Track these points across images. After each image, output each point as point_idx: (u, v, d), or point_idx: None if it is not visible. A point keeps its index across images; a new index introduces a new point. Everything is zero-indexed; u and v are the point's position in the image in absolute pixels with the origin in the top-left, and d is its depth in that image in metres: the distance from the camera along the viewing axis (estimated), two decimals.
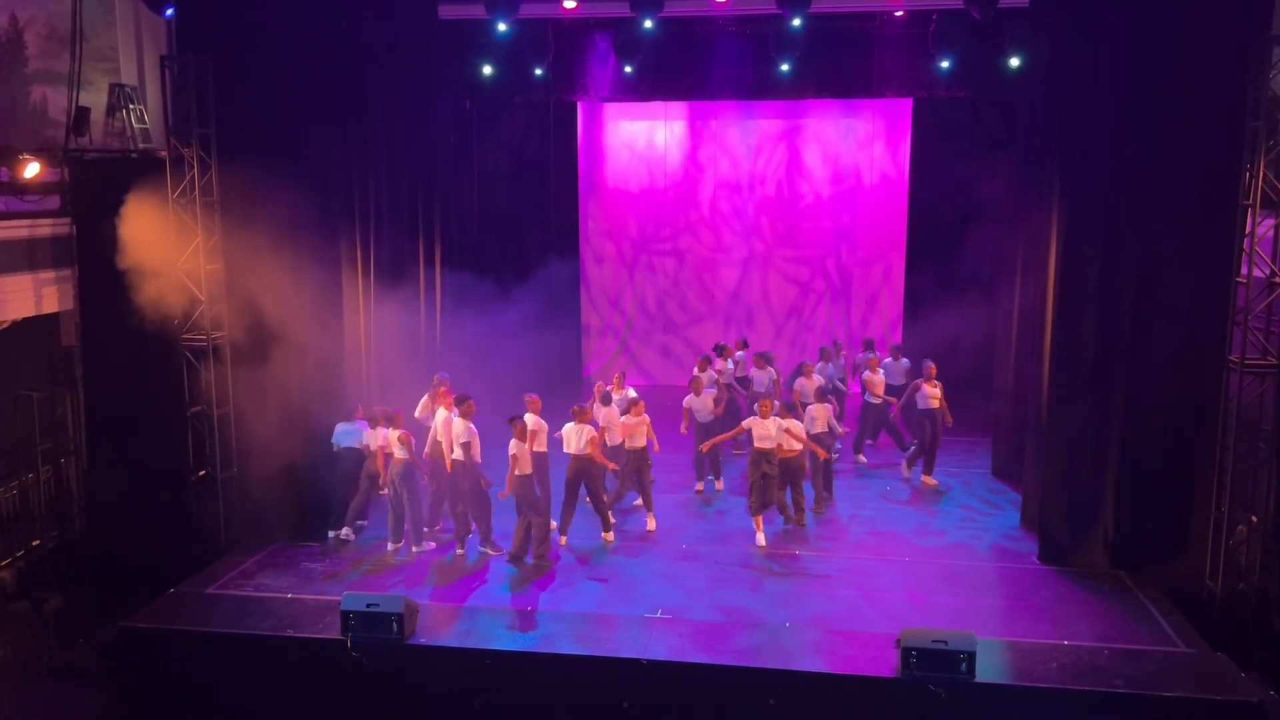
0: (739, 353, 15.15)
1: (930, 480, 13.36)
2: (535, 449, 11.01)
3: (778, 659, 9.00)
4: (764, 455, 11.49)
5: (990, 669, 8.63)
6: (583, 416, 11.29)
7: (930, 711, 8.51)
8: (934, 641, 8.50)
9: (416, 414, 12.01)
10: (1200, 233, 10.24)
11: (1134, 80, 10.24)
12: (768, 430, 11.44)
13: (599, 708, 9.03)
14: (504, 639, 9.38)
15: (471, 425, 10.98)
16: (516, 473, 10.81)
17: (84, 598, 11.44)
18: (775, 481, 11.58)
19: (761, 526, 11.56)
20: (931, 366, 13.22)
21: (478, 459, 11.01)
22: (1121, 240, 10.47)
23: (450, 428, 11.08)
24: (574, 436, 11.24)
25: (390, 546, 11.36)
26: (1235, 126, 9.85)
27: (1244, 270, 9.98)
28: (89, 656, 10.20)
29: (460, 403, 11.09)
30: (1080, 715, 8.46)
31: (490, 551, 11.20)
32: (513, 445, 10.83)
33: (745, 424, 11.74)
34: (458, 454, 10.95)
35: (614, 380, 13.17)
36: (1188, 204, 10.23)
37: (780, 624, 9.62)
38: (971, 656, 8.45)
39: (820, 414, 12.42)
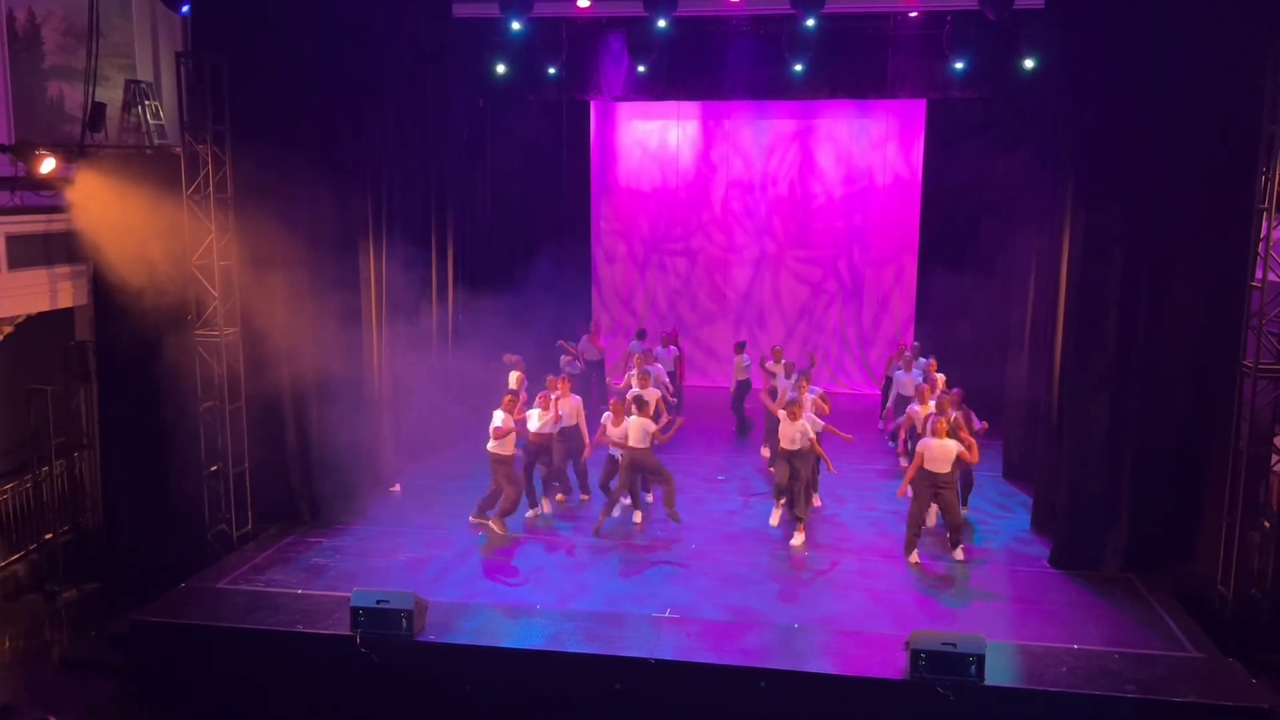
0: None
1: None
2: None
3: (786, 660, 8.99)
4: (793, 455, 11.31)
5: (1000, 672, 8.61)
6: (542, 401, 11.96)
7: (939, 714, 8.49)
8: (943, 644, 8.49)
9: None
10: (1215, 236, 10.21)
11: (1149, 83, 10.20)
12: (791, 431, 11.29)
13: (606, 706, 9.03)
14: (512, 636, 9.39)
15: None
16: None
17: (96, 591, 11.50)
18: (813, 482, 11.47)
19: (781, 507, 11.75)
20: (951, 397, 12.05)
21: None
22: (1135, 243, 10.43)
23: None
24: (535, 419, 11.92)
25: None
26: (1251, 130, 9.80)
27: (1258, 274, 9.93)
28: (100, 649, 10.25)
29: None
30: (1089, 719, 8.42)
31: (496, 527, 11.46)
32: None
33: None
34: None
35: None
36: (1202, 207, 10.20)
37: (789, 624, 9.62)
38: (981, 659, 8.44)
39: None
